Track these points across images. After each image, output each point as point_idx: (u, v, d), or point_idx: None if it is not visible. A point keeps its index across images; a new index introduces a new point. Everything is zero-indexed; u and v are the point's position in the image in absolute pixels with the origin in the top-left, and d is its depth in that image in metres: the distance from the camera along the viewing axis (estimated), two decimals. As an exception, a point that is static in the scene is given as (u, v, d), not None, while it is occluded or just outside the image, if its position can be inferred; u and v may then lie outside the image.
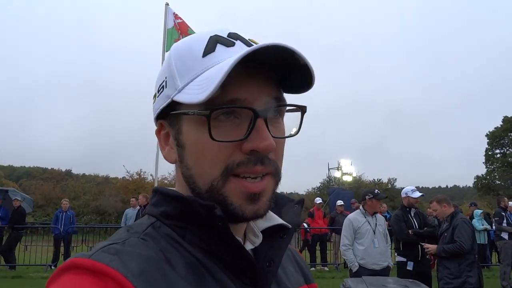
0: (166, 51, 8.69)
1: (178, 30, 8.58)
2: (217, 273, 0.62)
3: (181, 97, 0.63)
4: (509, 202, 10.04)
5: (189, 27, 8.69)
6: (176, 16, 8.73)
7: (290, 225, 0.74)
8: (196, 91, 0.60)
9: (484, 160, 38.71)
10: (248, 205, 0.63)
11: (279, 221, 0.73)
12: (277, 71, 0.65)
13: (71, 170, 56.26)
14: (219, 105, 0.61)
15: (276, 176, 0.67)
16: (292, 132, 0.70)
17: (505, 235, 9.53)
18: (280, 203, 0.79)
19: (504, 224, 9.59)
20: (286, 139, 0.69)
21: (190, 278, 0.59)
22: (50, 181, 43.64)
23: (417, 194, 5.82)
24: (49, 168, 58.75)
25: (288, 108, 0.70)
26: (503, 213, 9.77)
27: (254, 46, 0.58)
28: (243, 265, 0.65)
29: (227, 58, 0.62)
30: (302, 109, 0.69)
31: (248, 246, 0.71)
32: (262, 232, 0.72)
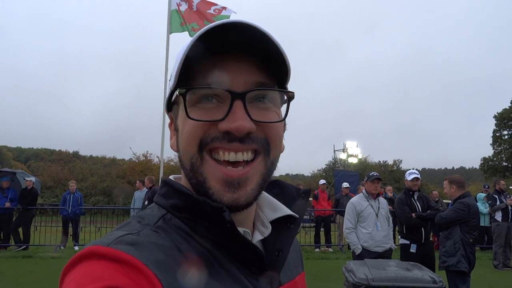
0: (170, 33, 8.59)
1: (182, 16, 8.42)
2: (226, 263, 0.65)
3: (171, 85, 0.69)
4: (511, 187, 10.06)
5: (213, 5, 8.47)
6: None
7: (297, 215, 0.76)
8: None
9: (491, 142, 38.41)
10: (226, 192, 0.63)
11: (287, 211, 0.75)
12: (264, 60, 0.66)
13: (78, 152, 56.82)
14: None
15: (265, 156, 0.66)
16: (279, 118, 0.69)
17: (498, 217, 9.62)
18: (286, 192, 0.81)
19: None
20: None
21: (202, 267, 0.61)
22: (58, 162, 44.05)
23: (411, 176, 5.79)
24: (57, 149, 59.20)
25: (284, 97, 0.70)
26: (496, 196, 9.86)
27: (209, 25, 0.61)
28: (251, 258, 0.67)
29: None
30: (288, 95, 0.69)
31: (257, 237, 0.73)
32: (270, 222, 0.74)
